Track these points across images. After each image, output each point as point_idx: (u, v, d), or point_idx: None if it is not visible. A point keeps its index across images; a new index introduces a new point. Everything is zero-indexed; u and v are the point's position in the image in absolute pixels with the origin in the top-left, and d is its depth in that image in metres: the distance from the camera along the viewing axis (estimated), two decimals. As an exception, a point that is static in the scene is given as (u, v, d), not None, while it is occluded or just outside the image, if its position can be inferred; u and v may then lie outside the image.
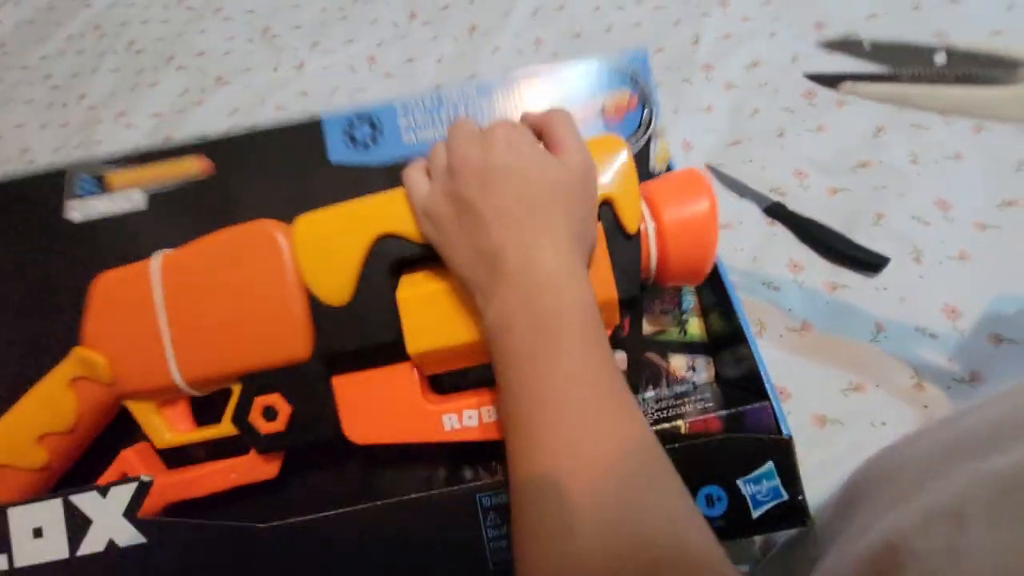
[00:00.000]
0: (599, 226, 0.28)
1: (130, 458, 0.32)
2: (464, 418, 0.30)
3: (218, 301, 0.30)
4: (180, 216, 0.35)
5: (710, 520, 0.26)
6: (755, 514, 0.26)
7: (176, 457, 0.33)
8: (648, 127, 0.34)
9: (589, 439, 0.21)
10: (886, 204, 0.42)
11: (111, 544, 0.28)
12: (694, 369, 0.34)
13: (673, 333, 0.34)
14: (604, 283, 0.27)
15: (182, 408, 0.33)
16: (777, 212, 0.43)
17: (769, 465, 0.27)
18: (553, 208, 0.24)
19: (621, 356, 0.33)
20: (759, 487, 0.27)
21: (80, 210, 0.36)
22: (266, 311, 0.29)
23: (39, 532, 0.29)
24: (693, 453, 0.28)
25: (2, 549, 0.29)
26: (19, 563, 0.29)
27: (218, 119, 0.64)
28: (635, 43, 0.58)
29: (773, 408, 0.29)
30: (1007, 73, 0.23)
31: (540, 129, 0.27)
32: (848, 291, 0.39)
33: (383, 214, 0.29)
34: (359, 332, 0.29)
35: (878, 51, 0.25)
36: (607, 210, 0.28)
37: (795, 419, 0.36)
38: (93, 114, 0.69)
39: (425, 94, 0.36)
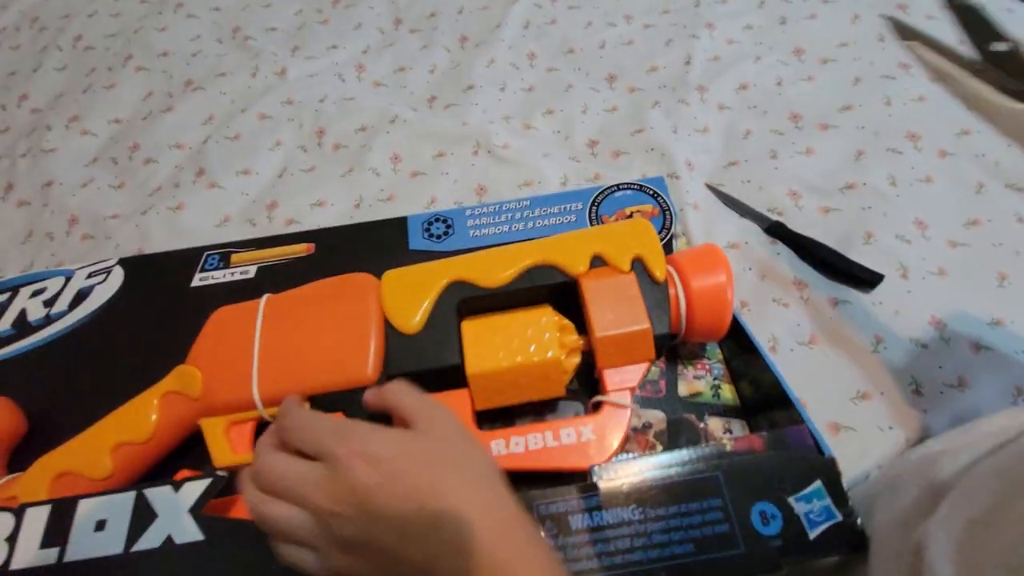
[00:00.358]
0: (633, 276, 0.34)
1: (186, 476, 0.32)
2: (511, 444, 0.33)
3: (306, 331, 0.35)
4: (279, 285, 0.39)
5: (767, 539, 0.27)
6: (812, 535, 0.27)
7: (228, 487, 0.33)
8: (669, 229, 0.42)
9: None
10: (873, 223, 0.46)
11: (168, 540, 0.28)
12: (730, 431, 0.36)
13: (707, 396, 0.37)
14: (640, 320, 0.33)
15: (247, 434, 0.34)
16: (778, 232, 0.46)
17: (818, 484, 0.29)
18: (441, 486, 0.23)
19: (660, 416, 0.37)
20: (811, 506, 0.28)
21: (202, 280, 0.45)
22: (346, 339, 0.34)
23: (101, 525, 0.29)
24: (741, 469, 0.29)
25: (56, 542, 0.28)
26: (69, 557, 0.28)
27: (191, 128, 0.59)
28: (628, 61, 0.60)
29: (810, 429, 0.31)
30: None
31: (385, 410, 0.27)
32: (849, 306, 0.43)
33: (456, 266, 0.36)
34: (427, 355, 0.33)
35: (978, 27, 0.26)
36: (639, 265, 0.35)
37: (812, 427, 0.39)
38: (39, 118, 0.62)
39: (487, 204, 0.47)
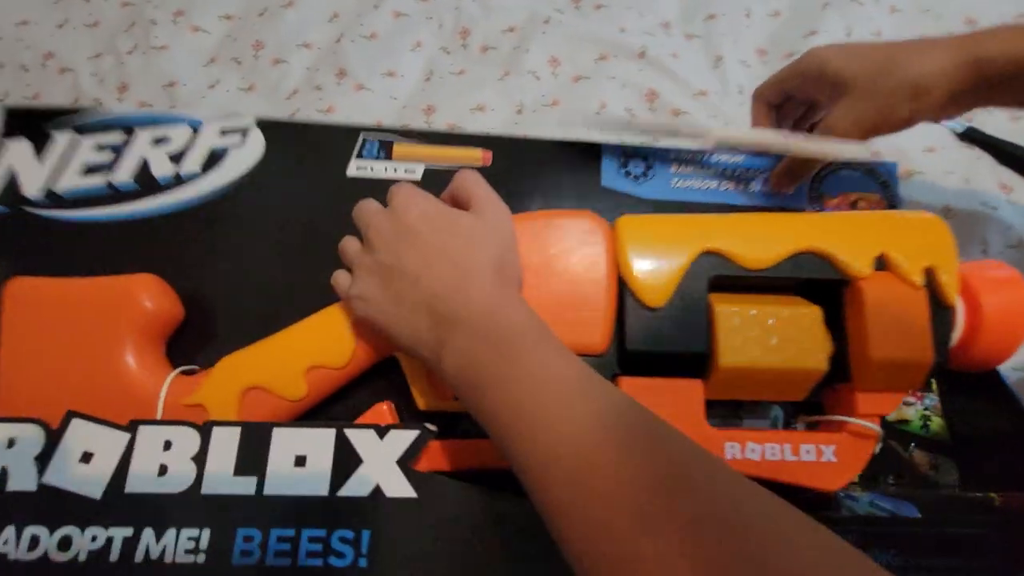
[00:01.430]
0: (923, 292, 0.29)
1: (383, 411, 0.31)
2: (747, 450, 0.30)
3: (529, 273, 0.31)
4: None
5: None
6: None
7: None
8: None
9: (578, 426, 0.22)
10: (1065, 130, 0.46)
11: (377, 491, 0.26)
12: (937, 469, 0.34)
13: (915, 426, 0.35)
14: (925, 349, 0.29)
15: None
16: (973, 136, 0.46)
17: None
18: (471, 253, 0.27)
19: None
20: None
21: (360, 168, 0.40)
22: (577, 298, 0.30)
23: (302, 461, 0.26)
24: (1016, 530, 0.27)
25: (252, 471, 0.26)
26: (269, 490, 0.26)
27: (317, 26, 0.54)
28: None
29: None
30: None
31: (451, 192, 0.31)
32: (1055, 209, 0.43)
33: (712, 232, 0.31)
34: (671, 337, 0.30)
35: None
36: (927, 279, 0.30)
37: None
38: (134, 12, 0.56)
39: (696, 150, 0.43)
